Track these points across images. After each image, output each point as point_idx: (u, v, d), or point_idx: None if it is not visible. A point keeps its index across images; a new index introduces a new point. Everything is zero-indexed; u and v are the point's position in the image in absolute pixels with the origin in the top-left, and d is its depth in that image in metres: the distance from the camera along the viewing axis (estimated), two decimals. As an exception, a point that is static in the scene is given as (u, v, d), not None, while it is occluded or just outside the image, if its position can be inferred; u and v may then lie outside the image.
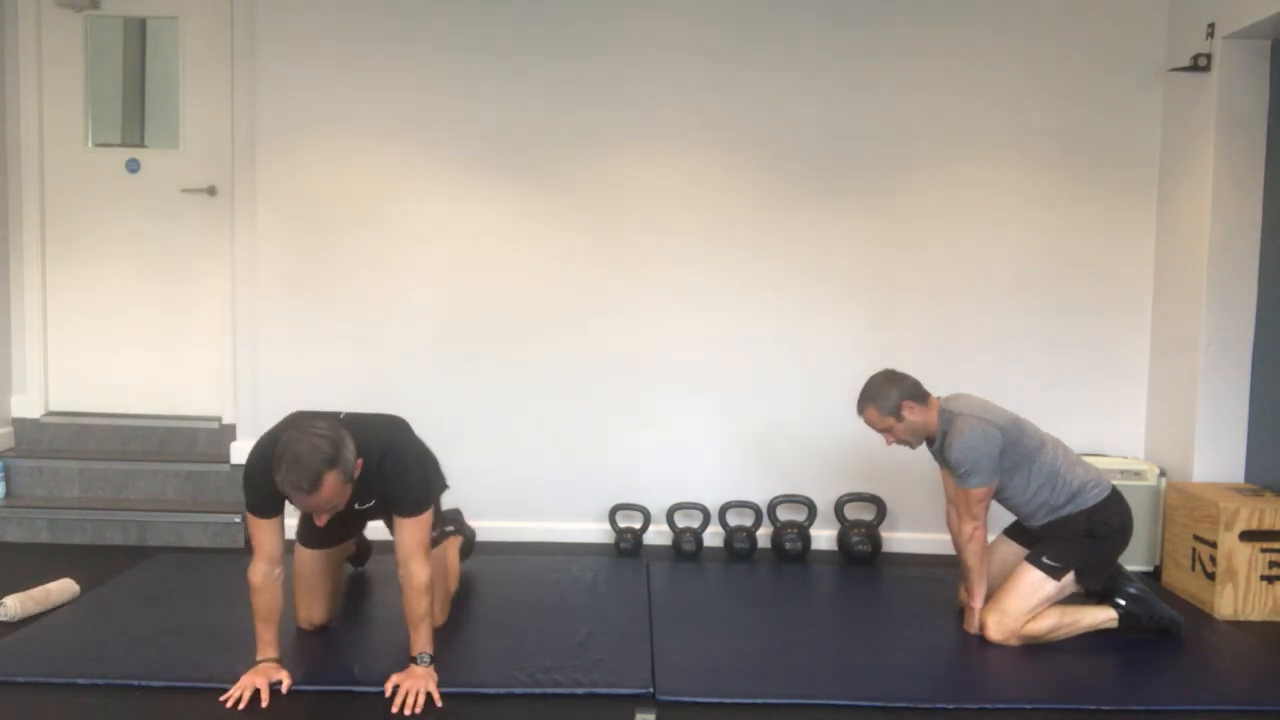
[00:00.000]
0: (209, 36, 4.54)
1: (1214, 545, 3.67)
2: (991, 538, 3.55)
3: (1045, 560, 3.28)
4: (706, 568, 4.15)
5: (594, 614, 3.48)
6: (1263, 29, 3.83)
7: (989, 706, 2.87)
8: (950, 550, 3.60)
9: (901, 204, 4.39)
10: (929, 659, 3.21)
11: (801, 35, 4.33)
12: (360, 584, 3.75)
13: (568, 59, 4.34)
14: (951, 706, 2.86)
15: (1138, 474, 4.16)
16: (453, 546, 3.63)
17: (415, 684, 2.76)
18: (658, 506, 4.39)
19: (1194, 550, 3.80)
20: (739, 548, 4.27)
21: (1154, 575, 4.10)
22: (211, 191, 4.58)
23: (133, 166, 4.62)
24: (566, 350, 4.43)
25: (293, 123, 4.37)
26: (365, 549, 3.83)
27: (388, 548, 3.74)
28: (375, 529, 3.56)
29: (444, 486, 3.32)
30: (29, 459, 4.47)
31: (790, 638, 3.34)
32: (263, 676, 2.78)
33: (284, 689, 2.78)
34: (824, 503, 4.37)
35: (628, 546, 4.26)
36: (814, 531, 4.34)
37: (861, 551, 4.23)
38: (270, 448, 2.73)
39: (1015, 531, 3.57)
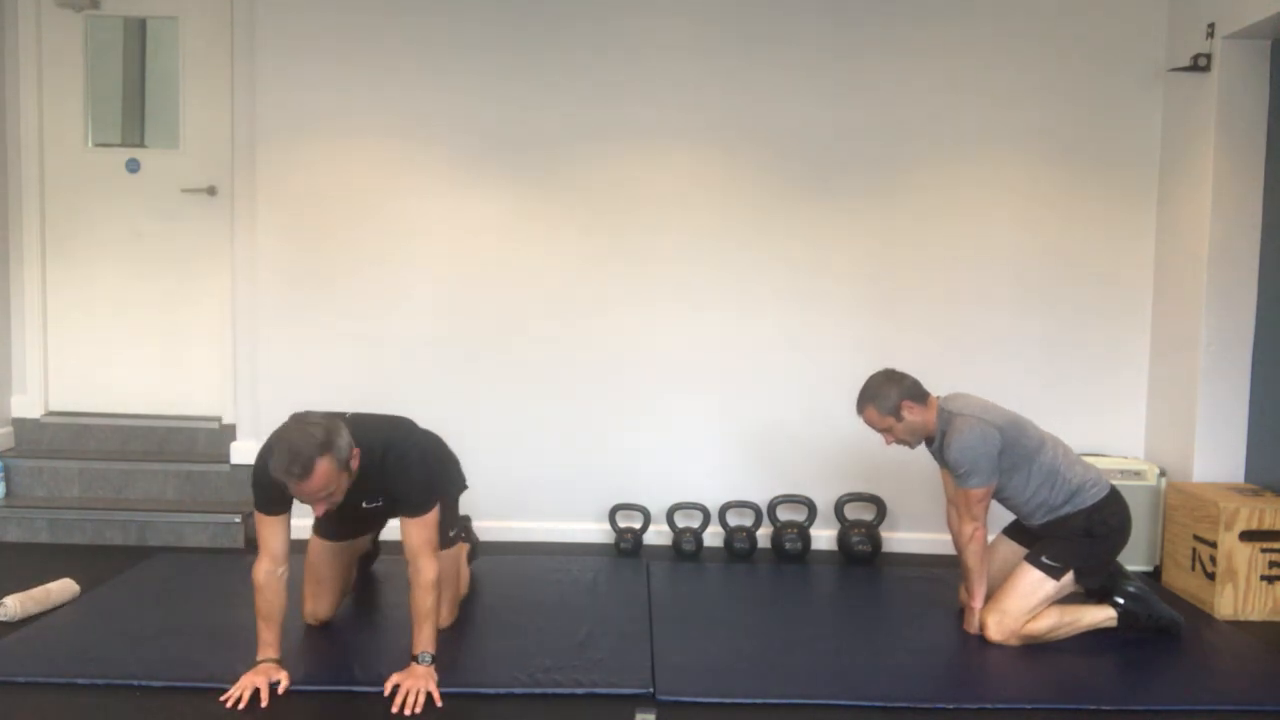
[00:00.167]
0: (209, 36, 4.54)
1: (1214, 545, 3.67)
2: (991, 537, 3.55)
3: (1044, 560, 3.28)
4: (706, 568, 4.15)
5: (594, 614, 3.48)
6: (1263, 29, 3.83)
7: (989, 706, 2.87)
8: (951, 550, 3.60)
9: (902, 203, 4.39)
10: (929, 659, 3.21)
11: (802, 35, 4.33)
12: (365, 585, 3.74)
13: (568, 58, 4.34)
14: (951, 706, 2.86)
15: (1138, 474, 4.16)
16: (464, 551, 3.64)
17: (415, 684, 2.75)
18: (658, 506, 4.39)
19: (1194, 550, 3.80)
20: (739, 548, 4.27)
21: (1154, 575, 4.10)
22: (211, 191, 4.58)
23: (133, 166, 4.62)
24: (566, 349, 4.43)
25: (293, 122, 4.37)
26: (373, 551, 3.83)
27: (393, 548, 3.76)
28: (386, 530, 3.59)
29: (463, 487, 3.33)
30: (29, 459, 4.47)
31: (790, 638, 3.34)
32: (262, 676, 2.78)
33: (281, 689, 2.78)
34: (824, 503, 4.37)
35: (628, 546, 4.26)
36: (814, 531, 4.34)
37: (861, 551, 4.23)
38: None
39: (1014, 531, 3.57)
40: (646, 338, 4.43)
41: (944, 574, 3.96)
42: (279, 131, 4.37)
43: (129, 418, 4.64)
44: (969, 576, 3.40)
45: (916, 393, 3.37)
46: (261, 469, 2.82)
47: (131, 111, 4.68)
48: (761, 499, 4.38)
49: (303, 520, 3.12)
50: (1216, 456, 4.06)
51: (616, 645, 3.20)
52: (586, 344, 4.43)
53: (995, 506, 3.42)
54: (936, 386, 3.52)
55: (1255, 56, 3.97)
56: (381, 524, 3.50)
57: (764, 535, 4.35)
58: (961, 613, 3.51)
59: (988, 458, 3.25)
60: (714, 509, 4.37)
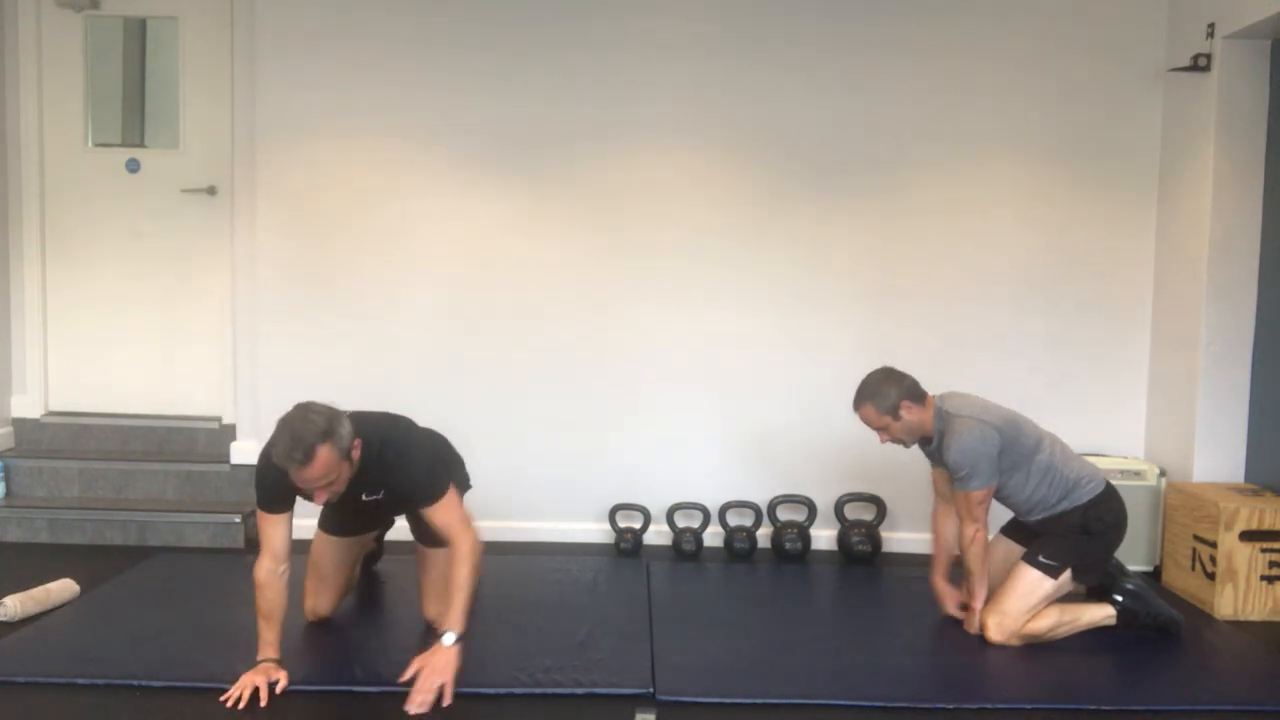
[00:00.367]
0: (209, 36, 4.54)
1: (1214, 545, 3.67)
2: (990, 537, 3.54)
3: (1042, 559, 3.28)
4: (706, 568, 4.15)
5: (594, 614, 3.48)
6: (1263, 29, 3.82)
7: (989, 706, 2.87)
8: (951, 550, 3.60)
9: (902, 203, 4.39)
10: (929, 659, 3.22)
11: (802, 35, 4.33)
12: (368, 584, 3.74)
13: (568, 58, 4.34)
14: (951, 706, 2.86)
15: (1138, 474, 4.16)
16: None
17: (433, 677, 2.73)
18: (658, 506, 4.39)
19: (1194, 550, 3.80)
20: (739, 548, 4.27)
21: (1154, 575, 4.10)
22: (211, 191, 4.57)
23: (133, 166, 4.62)
24: (566, 349, 4.43)
25: (293, 122, 4.37)
26: (377, 550, 3.83)
27: (396, 549, 3.77)
28: (390, 531, 3.59)
29: (468, 487, 3.34)
30: (29, 459, 4.47)
31: (790, 638, 3.34)
32: (262, 676, 2.78)
33: (280, 689, 2.78)
34: (824, 503, 4.37)
35: (628, 546, 4.26)
36: (814, 531, 4.34)
37: (861, 551, 4.23)
38: None
39: (1012, 529, 3.57)
40: (646, 337, 4.43)
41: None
42: (279, 131, 4.37)
43: (129, 418, 4.64)
44: (969, 578, 3.39)
45: (915, 392, 3.37)
46: (265, 466, 2.83)
47: (131, 111, 4.68)
48: (761, 499, 4.38)
49: (306, 520, 3.13)
50: (1216, 456, 4.06)
51: (616, 645, 3.20)
52: (586, 343, 4.43)
53: (995, 506, 3.41)
54: (936, 384, 3.51)
55: (1255, 56, 3.97)
56: (387, 523, 3.51)
57: (764, 535, 4.35)
58: (938, 609, 3.51)
59: (988, 459, 3.25)
60: (714, 509, 4.37)
